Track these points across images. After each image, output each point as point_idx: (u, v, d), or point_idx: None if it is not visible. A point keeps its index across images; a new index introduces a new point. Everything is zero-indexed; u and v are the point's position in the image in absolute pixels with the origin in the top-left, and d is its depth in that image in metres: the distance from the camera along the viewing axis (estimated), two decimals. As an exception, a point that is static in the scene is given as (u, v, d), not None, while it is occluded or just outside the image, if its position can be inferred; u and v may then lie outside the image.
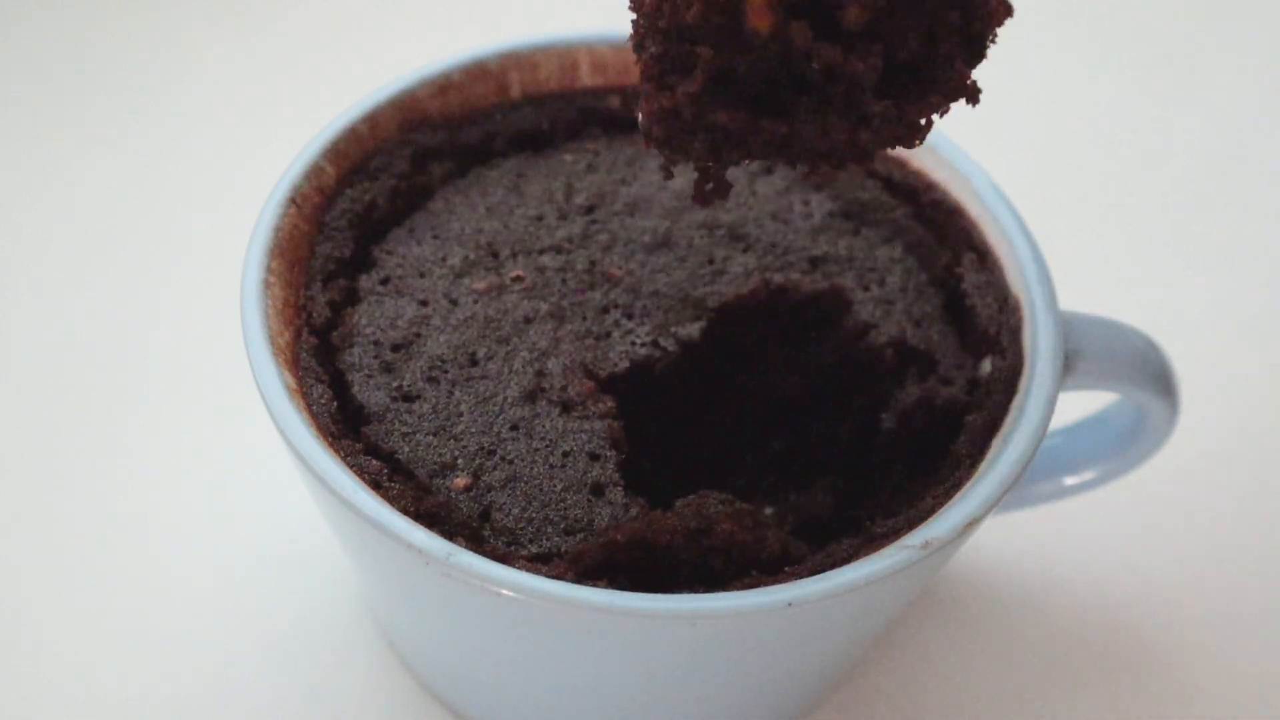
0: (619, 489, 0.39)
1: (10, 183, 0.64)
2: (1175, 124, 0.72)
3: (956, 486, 0.39)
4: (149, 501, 0.53)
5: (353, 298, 0.43)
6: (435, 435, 0.40)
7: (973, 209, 0.45)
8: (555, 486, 0.39)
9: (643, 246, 0.44)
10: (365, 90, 0.46)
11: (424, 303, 0.42)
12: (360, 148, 0.45)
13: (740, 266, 0.44)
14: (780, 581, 0.36)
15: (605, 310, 0.43)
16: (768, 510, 0.46)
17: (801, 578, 0.36)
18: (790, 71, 0.34)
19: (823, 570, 0.36)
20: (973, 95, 0.35)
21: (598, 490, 0.39)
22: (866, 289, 0.45)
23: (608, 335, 0.42)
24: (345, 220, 0.44)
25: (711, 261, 0.44)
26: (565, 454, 0.39)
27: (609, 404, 0.41)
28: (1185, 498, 0.55)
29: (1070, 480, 0.48)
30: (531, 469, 0.39)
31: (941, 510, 0.38)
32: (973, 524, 0.37)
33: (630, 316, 0.43)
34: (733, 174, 0.47)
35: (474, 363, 0.41)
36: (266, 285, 0.40)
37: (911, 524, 0.38)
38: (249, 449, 0.53)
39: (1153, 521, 0.54)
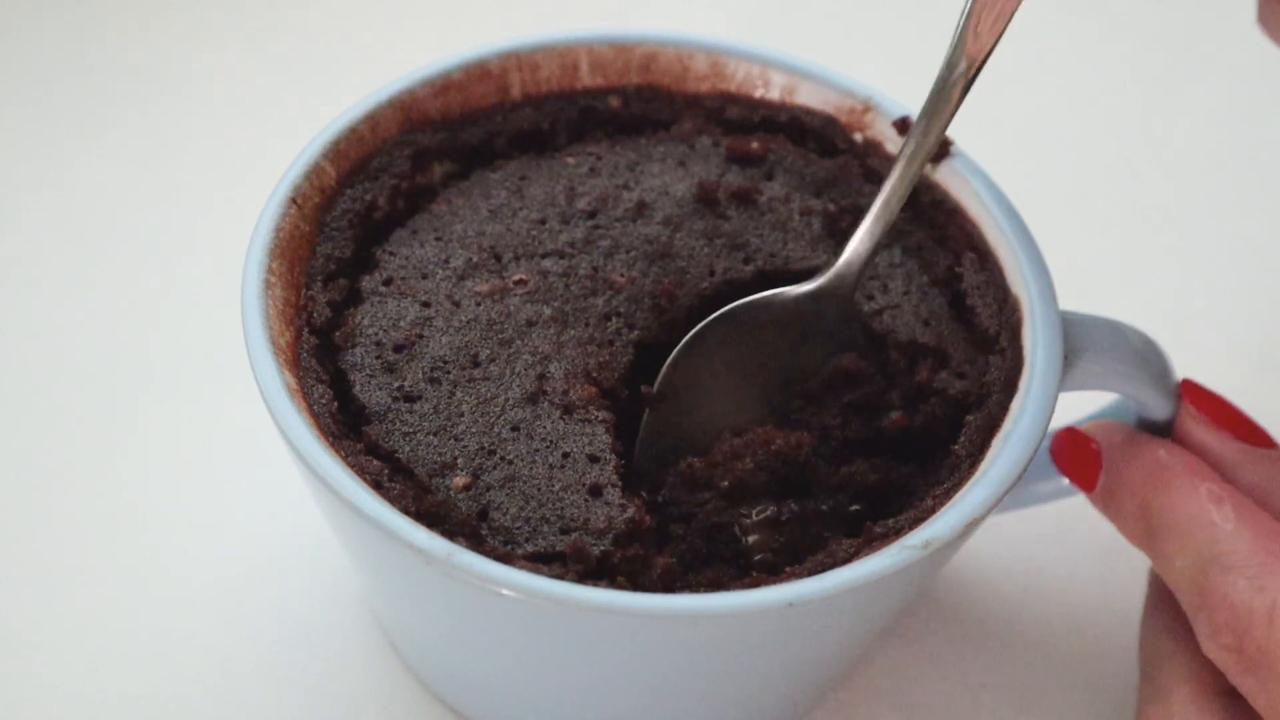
0: (616, 489, 0.39)
1: (11, 182, 0.64)
2: (1176, 123, 0.72)
3: (956, 486, 0.39)
4: (148, 501, 0.53)
5: (355, 298, 0.43)
6: (436, 435, 0.40)
7: (973, 209, 0.45)
8: (553, 487, 0.39)
9: (644, 255, 0.44)
10: (366, 90, 0.46)
11: (426, 304, 0.43)
12: (361, 148, 0.45)
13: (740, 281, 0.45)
14: (780, 581, 0.36)
15: (608, 317, 0.43)
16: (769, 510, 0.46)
17: (801, 578, 0.36)
18: None
19: (823, 570, 0.36)
20: None
21: (595, 491, 0.39)
22: (870, 298, 0.45)
23: (611, 343, 0.42)
24: (346, 220, 0.44)
25: (713, 274, 0.45)
26: (565, 455, 0.40)
27: (611, 408, 0.41)
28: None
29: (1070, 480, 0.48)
30: (531, 469, 0.39)
31: (941, 510, 0.38)
32: (973, 524, 0.37)
33: (632, 327, 0.43)
34: (734, 176, 0.47)
35: (476, 364, 0.41)
36: (267, 285, 0.40)
37: (911, 524, 0.38)
38: (249, 449, 0.53)
39: (1152, 521, 0.54)
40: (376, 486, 0.37)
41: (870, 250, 0.42)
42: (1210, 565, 0.38)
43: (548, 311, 0.43)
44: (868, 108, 0.48)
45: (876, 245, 0.42)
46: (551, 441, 0.40)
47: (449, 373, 0.41)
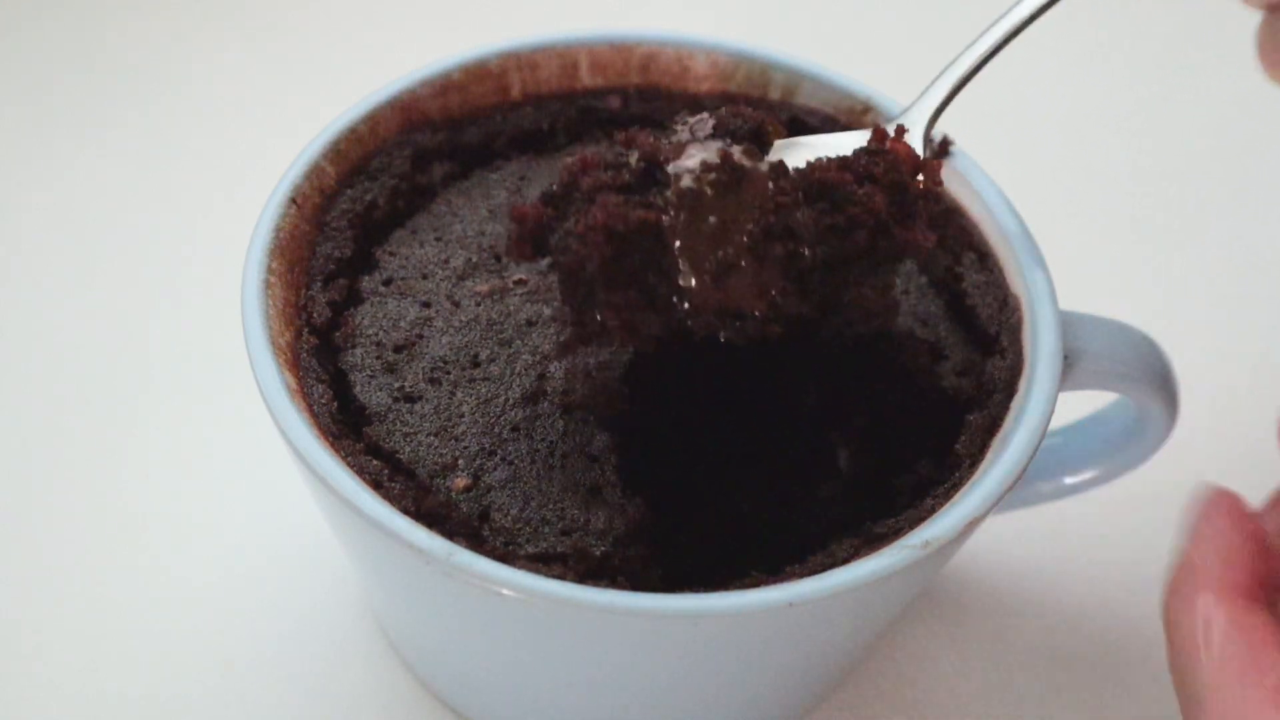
0: (616, 489, 0.39)
1: (11, 182, 0.64)
2: (1176, 123, 0.72)
3: (956, 486, 0.39)
4: (148, 501, 0.53)
5: (355, 298, 0.43)
6: (437, 436, 0.40)
7: (973, 209, 0.45)
8: (553, 487, 0.39)
9: None
10: (366, 90, 0.46)
11: (426, 304, 0.43)
12: (361, 148, 0.45)
13: None
14: (780, 581, 0.36)
15: None
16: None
17: (801, 578, 0.36)
18: None
19: (823, 570, 0.36)
20: None
21: (595, 491, 0.39)
22: None
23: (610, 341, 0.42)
24: (346, 220, 0.44)
25: None
26: (565, 455, 0.40)
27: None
28: (1185, 497, 0.55)
29: (1070, 480, 0.48)
30: (531, 470, 0.39)
31: (941, 510, 0.38)
32: (973, 524, 0.37)
33: None
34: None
35: (476, 364, 0.41)
36: (267, 285, 0.40)
37: (911, 524, 0.38)
38: (249, 449, 0.53)
39: (1153, 521, 0.54)
40: (376, 486, 0.37)
41: (948, 95, 0.42)
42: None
43: (548, 311, 0.43)
44: (868, 108, 0.48)
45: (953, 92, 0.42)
46: (551, 441, 0.40)
47: (449, 373, 0.41)
